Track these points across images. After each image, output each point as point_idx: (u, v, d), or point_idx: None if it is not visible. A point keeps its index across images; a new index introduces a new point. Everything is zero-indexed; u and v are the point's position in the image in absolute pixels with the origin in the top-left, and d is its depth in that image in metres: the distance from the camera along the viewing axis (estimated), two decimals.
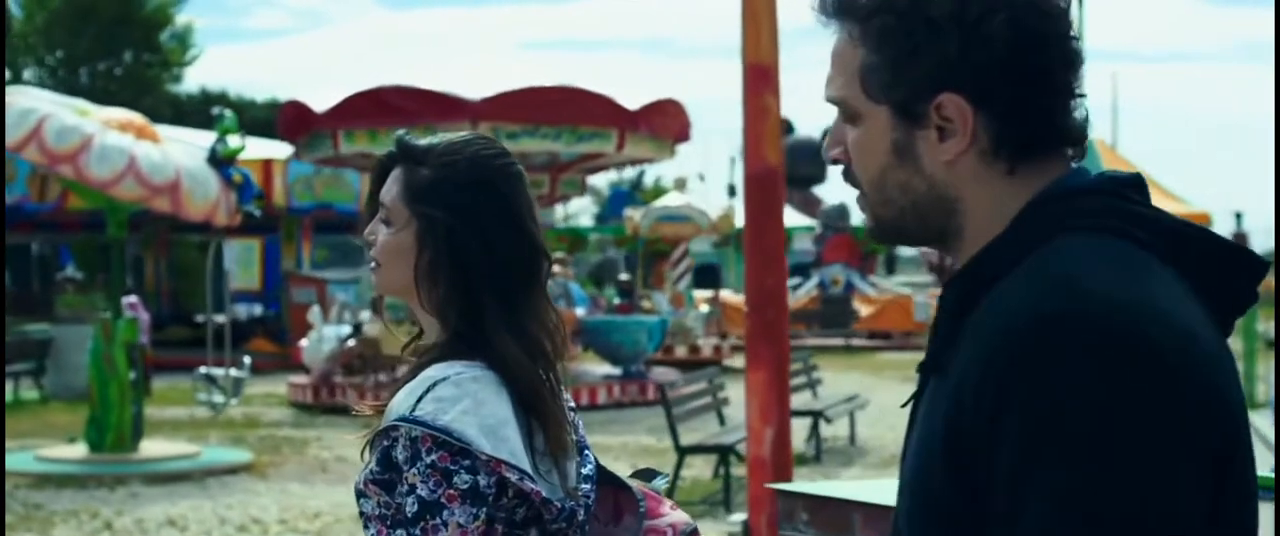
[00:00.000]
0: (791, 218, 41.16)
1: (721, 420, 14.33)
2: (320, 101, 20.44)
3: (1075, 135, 1.77)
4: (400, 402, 2.51)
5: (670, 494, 10.37)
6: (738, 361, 27.83)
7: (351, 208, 31.01)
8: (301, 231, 29.76)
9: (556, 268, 20.75)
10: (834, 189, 50.62)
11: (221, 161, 14.58)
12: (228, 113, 15.47)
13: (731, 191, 49.23)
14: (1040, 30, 1.72)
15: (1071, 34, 1.75)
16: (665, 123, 20.99)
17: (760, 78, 9.27)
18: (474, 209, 2.62)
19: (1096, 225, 1.71)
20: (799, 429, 13.56)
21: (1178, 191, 26.47)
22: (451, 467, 2.45)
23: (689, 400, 13.32)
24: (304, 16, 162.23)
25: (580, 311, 22.21)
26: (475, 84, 20.10)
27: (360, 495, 2.56)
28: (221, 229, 16.62)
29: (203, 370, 19.29)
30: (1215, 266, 1.73)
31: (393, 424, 2.49)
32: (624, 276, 25.47)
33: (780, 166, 9.36)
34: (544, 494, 2.51)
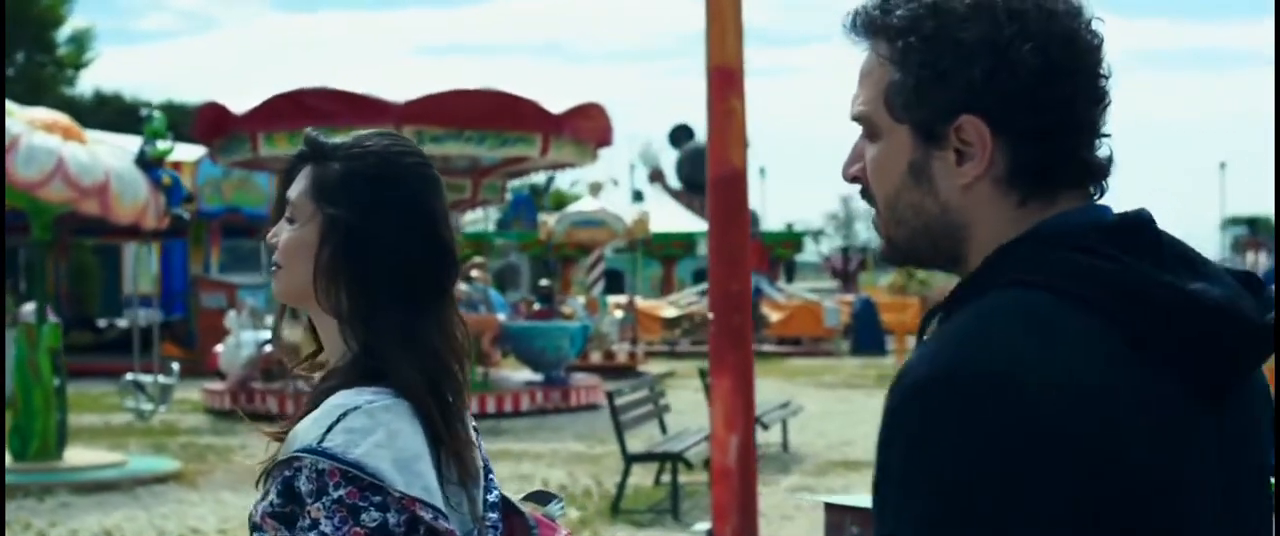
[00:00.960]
0: (695, 223, 41.22)
1: (663, 428, 14.20)
2: (239, 103, 20.11)
3: (1095, 172, 1.75)
4: (305, 431, 2.34)
5: (616, 503, 10.29)
6: (652, 367, 27.87)
7: (262, 211, 30.64)
8: (210, 235, 29.32)
9: (475, 272, 20.69)
10: None
11: (150, 163, 14.27)
12: (157, 113, 15.16)
13: (637, 196, 49.21)
14: (1068, 63, 1.71)
15: (1100, 71, 1.74)
16: (589, 127, 20.87)
17: (725, 80, 9.16)
18: (380, 205, 2.46)
19: (1032, 280, 1.66)
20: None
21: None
22: (360, 504, 2.29)
23: (631, 407, 13.16)
24: (193, 19, 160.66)
25: (501, 317, 22.01)
26: (383, 88, 19.91)
27: (255, 528, 2.38)
28: (126, 232, 16.29)
29: (129, 376, 18.92)
30: (1182, 332, 1.65)
31: (296, 454, 2.32)
32: (544, 282, 25.28)
33: (745, 169, 9.25)
34: (457, 531, 2.37)
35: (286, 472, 2.34)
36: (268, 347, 20.60)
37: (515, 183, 26.90)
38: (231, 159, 21.41)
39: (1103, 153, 1.76)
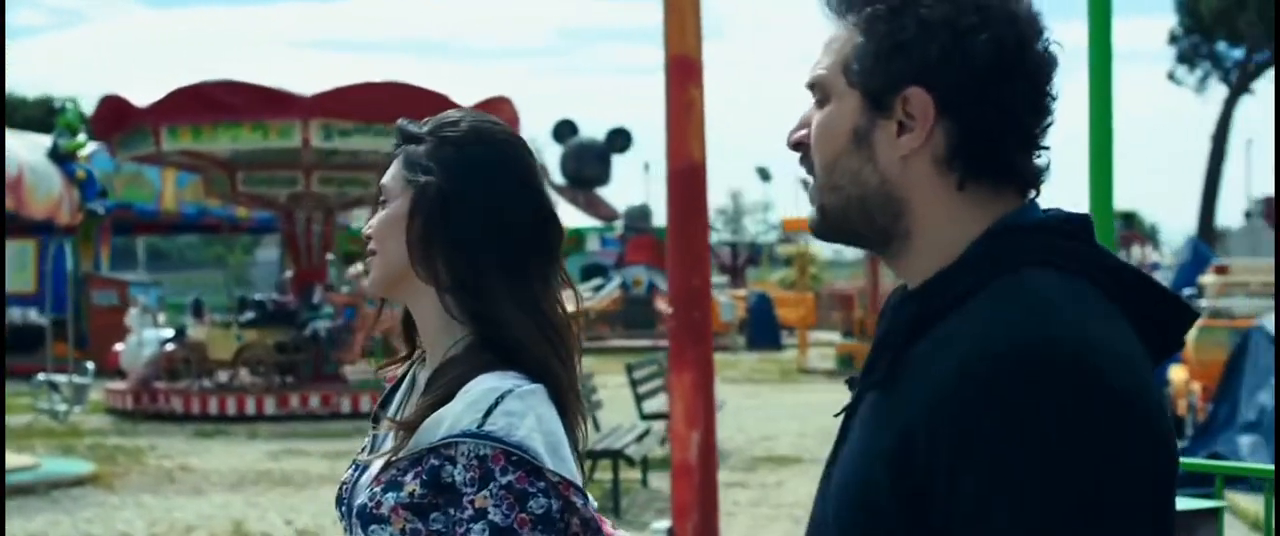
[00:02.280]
0: (578, 219, 41.08)
1: (596, 424, 14.02)
2: (141, 96, 19.64)
3: (1029, 177, 1.81)
4: (457, 417, 2.23)
5: None
6: None
7: (152, 207, 30.09)
8: (99, 232, 28.71)
9: None
10: (618, 190, 50.70)
11: (64, 157, 13.87)
12: (70, 105, 14.74)
13: None
14: (1017, 67, 1.76)
15: (1048, 87, 1.80)
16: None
17: (684, 70, 8.99)
18: (471, 168, 2.37)
19: (1058, 262, 1.74)
20: (660, 433, 13.41)
21: None
22: (528, 489, 2.20)
23: None
24: (62, 14, 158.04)
25: None
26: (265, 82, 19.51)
27: (372, 519, 2.26)
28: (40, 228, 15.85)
29: (43, 376, 18.43)
30: (1150, 309, 1.77)
31: (452, 440, 2.21)
32: None
33: (704, 162, 9.13)
34: (601, 518, 2.31)
35: (433, 461, 2.23)
36: (170, 346, 20.20)
37: None
38: (131, 153, 20.88)
39: (1040, 161, 1.81)
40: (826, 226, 1.87)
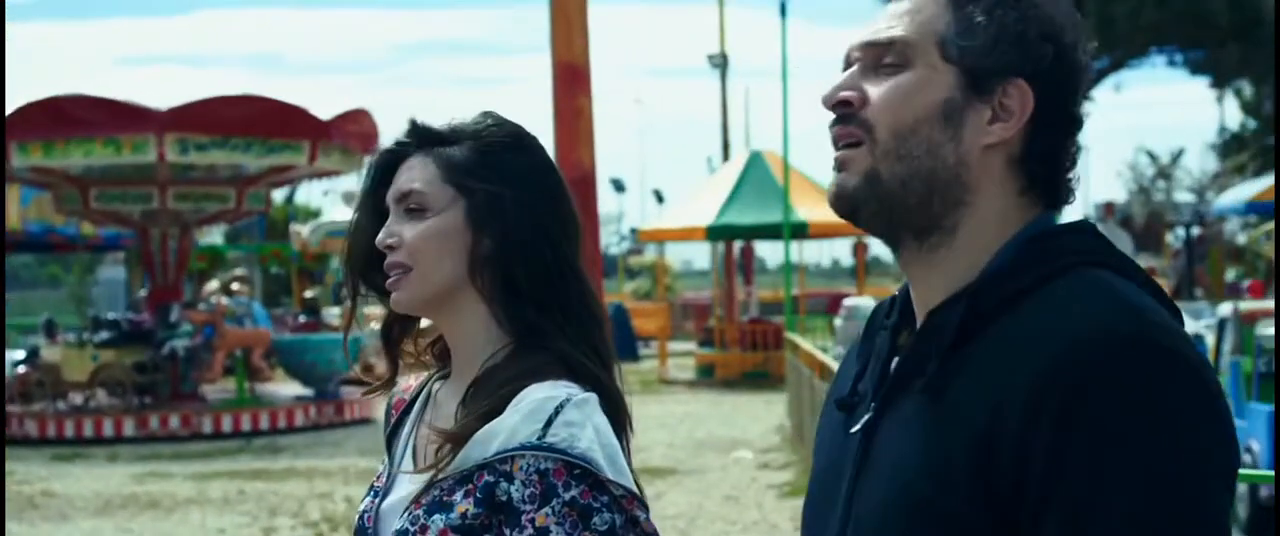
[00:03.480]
0: None
1: None
2: None
3: (1066, 194, 1.82)
4: (513, 429, 2.11)
5: None
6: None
7: None
8: None
9: (237, 285, 20.01)
10: None
11: None
12: None
13: None
14: (1086, 88, 1.82)
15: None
16: (357, 133, 20.31)
17: (572, 78, 8.91)
18: (526, 174, 2.27)
19: (1113, 264, 1.74)
20: None
21: None
22: (592, 505, 2.08)
23: None
24: None
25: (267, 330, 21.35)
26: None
27: None
28: None
29: None
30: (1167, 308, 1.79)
31: (510, 454, 2.09)
32: (310, 293, 24.58)
33: (594, 170, 9.02)
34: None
35: (488, 477, 2.10)
36: (22, 368, 19.65)
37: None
38: None
39: (1073, 178, 1.83)
40: (872, 196, 1.77)
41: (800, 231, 24.28)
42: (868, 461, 1.78)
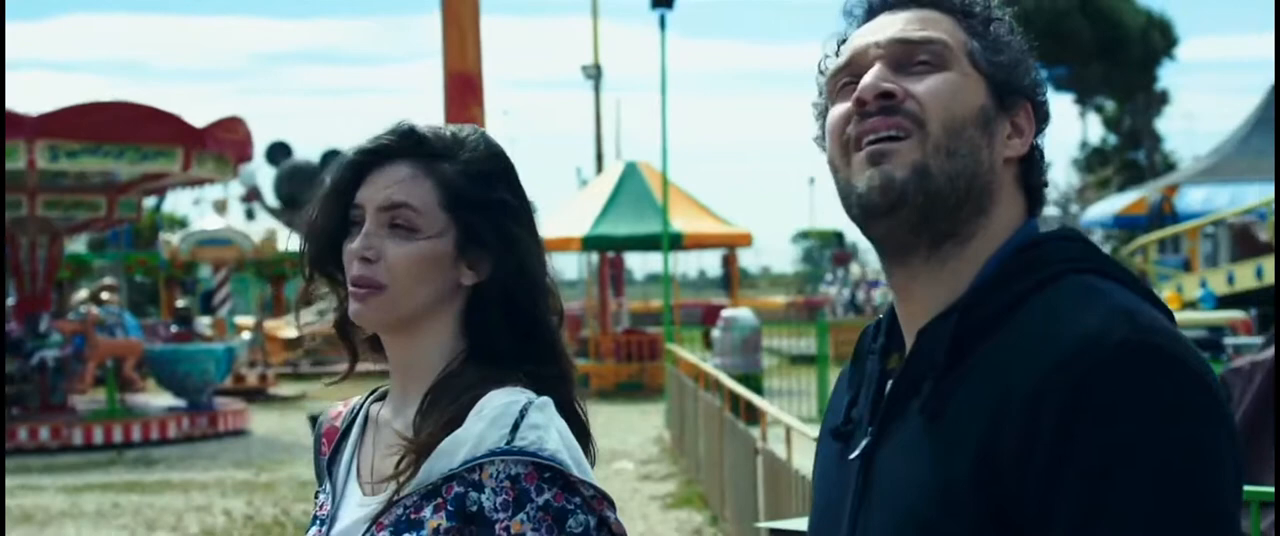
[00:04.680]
0: (294, 242, 40.33)
1: None
2: None
3: (1040, 210, 1.86)
4: (480, 436, 2.07)
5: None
6: (285, 390, 27.15)
7: None
8: None
9: (106, 294, 19.63)
10: None
11: None
12: None
13: (249, 215, 47.91)
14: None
15: None
16: (231, 140, 20.05)
17: (464, 87, 8.90)
18: (521, 210, 2.25)
19: (1102, 269, 1.74)
20: None
21: (720, 212, 27.19)
22: (567, 507, 2.05)
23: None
24: None
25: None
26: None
27: None
28: None
29: None
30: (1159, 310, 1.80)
31: (478, 462, 2.05)
32: (181, 303, 24.24)
33: None
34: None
35: (458, 488, 2.06)
36: None
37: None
38: None
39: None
40: (920, 188, 1.72)
41: (675, 242, 24.35)
42: (869, 488, 1.76)
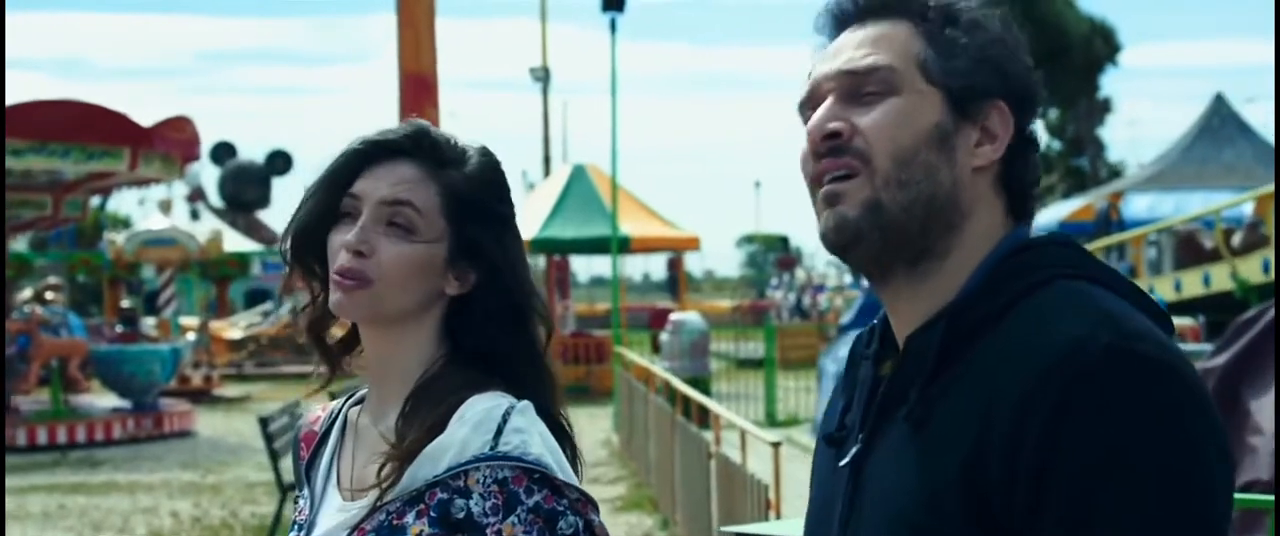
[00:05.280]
0: (241, 243, 40.16)
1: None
2: None
3: (1035, 206, 1.84)
4: (464, 442, 2.06)
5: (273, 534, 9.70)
6: (230, 391, 27.00)
7: None
8: None
9: (51, 294, 19.39)
10: (281, 213, 49.77)
11: None
12: None
13: (194, 215, 47.65)
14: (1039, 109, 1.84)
15: None
16: (178, 140, 19.92)
17: (419, 88, 8.86)
18: (512, 222, 2.25)
19: (1088, 273, 1.73)
20: None
21: (667, 216, 27.21)
22: (557, 509, 2.05)
23: (281, 434, 12.51)
24: None
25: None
26: None
27: None
28: None
29: None
30: (1150, 314, 1.78)
31: (463, 468, 2.05)
32: (127, 303, 24.05)
33: None
34: None
35: (441, 495, 2.05)
36: None
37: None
38: None
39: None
40: (874, 224, 1.73)
41: (623, 246, 24.35)
42: (859, 494, 1.77)
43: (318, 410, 2.37)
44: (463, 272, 2.18)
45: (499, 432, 2.05)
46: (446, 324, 2.20)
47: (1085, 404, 1.57)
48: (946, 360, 1.70)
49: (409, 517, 2.06)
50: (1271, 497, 3.94)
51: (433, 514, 2.04)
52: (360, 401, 2.29)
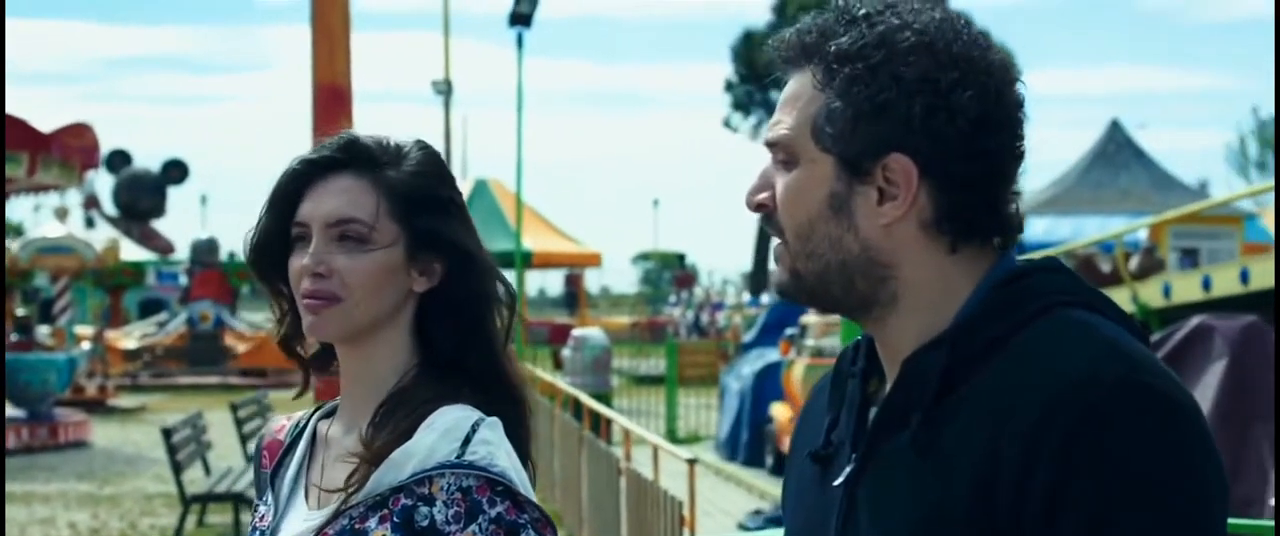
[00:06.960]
0: (135, 252, 39.71)
1: (206, 468, 13.44)
2: None
3: (1013, 226, 1.77)
4: (431, 448, 2.09)
5: None
6: (125, 401, 26.64)
7: None
8: None
9: None
10: (173, 223, 49.31)
11: None
12: None
13: (89, 223, 47.03)
14: (1000, 116, 1.73)
15: (1021, 131, 1.76)
16: (77, 146, 19.64)
17: (334, 99, 8.80)
18: (463, 211, 2.27)
19: (1085, 301, 1.73)
20: None
21: (570, 232, 27.21)
22: (518, 521, 2.07)
23: (184, 445, 12.39)
24: None
25: None
26: None
27: None
28: None
29: None
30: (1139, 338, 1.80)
31: (428, 474, 2.07)
32: (22, 311, 23.70)
33: None
34: None
35: (405, 501, 2.07)
36: None
37: None
38: None
39: (1013, 207, 1.77)
40: (801, 290, 1.79)
41: (525, 261, 24.33)
42: (854, 515, 1.75)
43: (282, 419, 2.38)
44: (426, 266, 2.20)
45: (467, 442, 2.07)
46: (417, 326, 2.21)
47: (1100, 436, 1.58)
48: (948, 386, 1.69)
49: (372, 522, 2.07)
50: (1271, 523, 4.01)
51: (396, 519, 2.06)
52: (329, 413, 2.30)
